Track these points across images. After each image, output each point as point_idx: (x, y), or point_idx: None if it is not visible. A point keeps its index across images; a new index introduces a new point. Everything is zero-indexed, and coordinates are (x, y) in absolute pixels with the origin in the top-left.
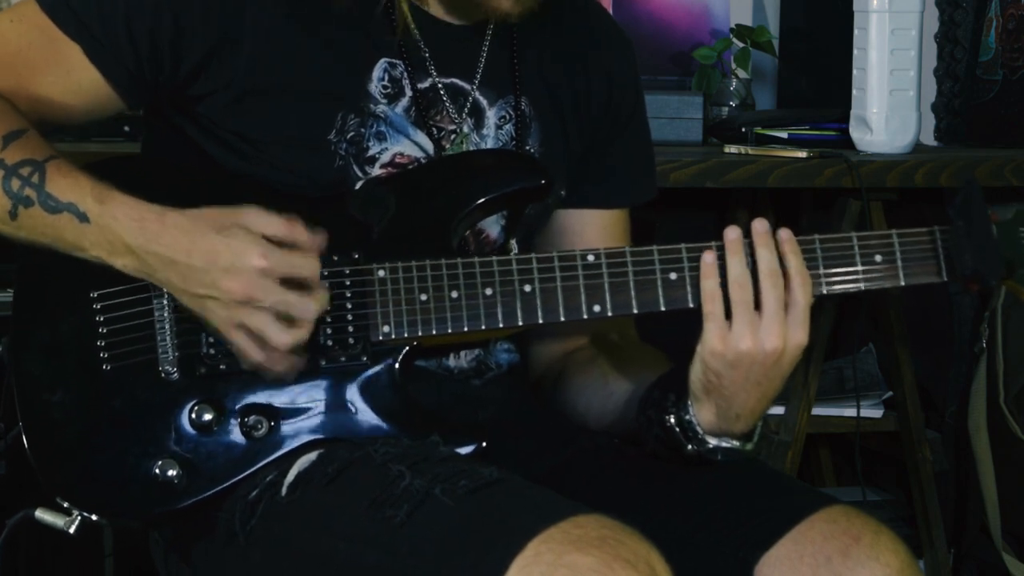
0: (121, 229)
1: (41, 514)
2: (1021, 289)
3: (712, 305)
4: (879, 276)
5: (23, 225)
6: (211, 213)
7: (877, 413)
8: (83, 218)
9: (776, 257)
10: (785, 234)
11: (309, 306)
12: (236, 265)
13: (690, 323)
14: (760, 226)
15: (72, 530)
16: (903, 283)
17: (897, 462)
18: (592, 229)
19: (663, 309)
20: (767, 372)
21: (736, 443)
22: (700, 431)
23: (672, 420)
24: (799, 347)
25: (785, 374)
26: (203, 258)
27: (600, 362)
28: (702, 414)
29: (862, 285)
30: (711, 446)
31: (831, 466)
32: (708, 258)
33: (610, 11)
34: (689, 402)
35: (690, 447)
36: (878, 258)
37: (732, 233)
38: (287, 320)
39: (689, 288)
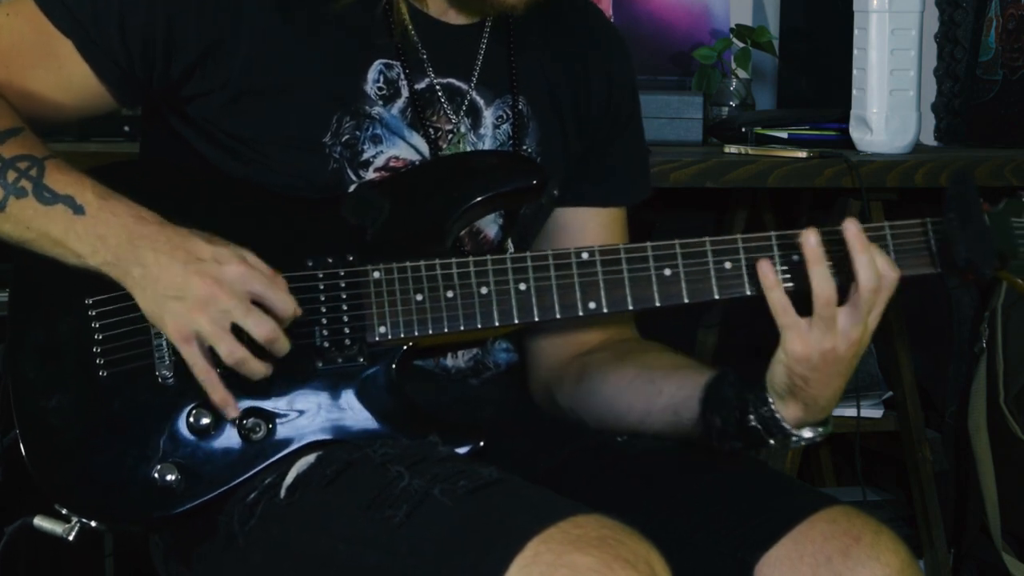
0: (118, 223)
1: (40, 521)
2: (1014, 279)
3: (786, 317)
4: None
5: (11, 216)
6: (209, 234)
7: (877, 413)
8: (79, 210)
9: (874, 263)
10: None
11: (268, 325)
12: (213, 268)
13: (690, 325)
14: (853, 226)
15: (71, 537)
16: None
17: (897, 462)
18: (590, 228)
19: (658, 305)
20: (849, 363)
21: (820, 429)
22: (788, 427)
23: (753, 420)
24: (873, 330)
25: (861, 355)
26: (185, 256)
27: (634, 360)
28: (788, 411)
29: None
30: (795, 438)
31: (831, 466)
32: (767, 269)
33: (610, 11)
34: (771, 400)
35: (773, 440)
36: None
37: (813, 238)
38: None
39: (683, 284)
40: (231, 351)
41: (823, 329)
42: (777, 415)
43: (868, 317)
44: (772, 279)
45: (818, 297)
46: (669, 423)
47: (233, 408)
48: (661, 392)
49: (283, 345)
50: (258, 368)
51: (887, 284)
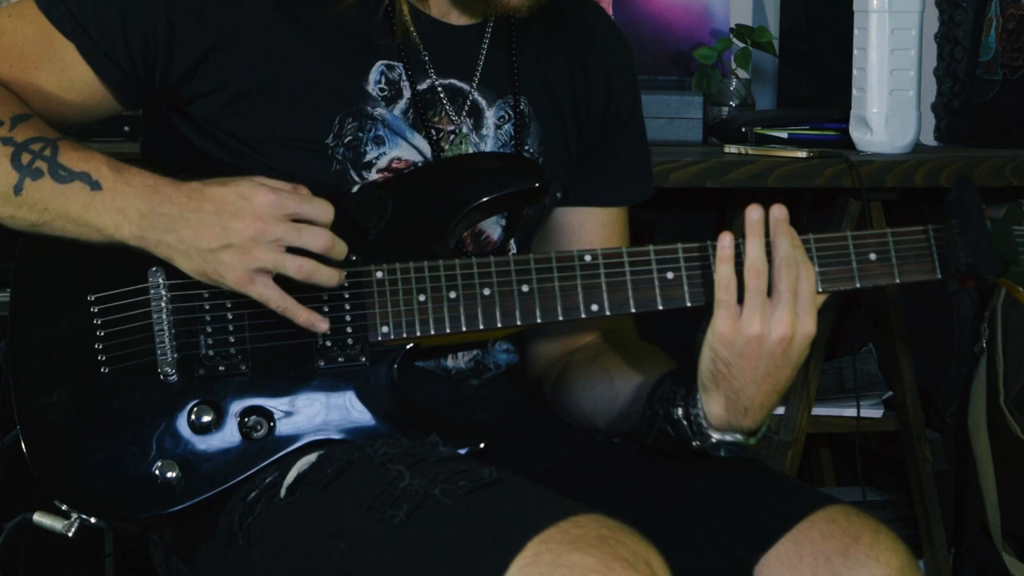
0: (135, 194)
1: (40, 518)
2: (1014, 286)
3: (726, 293)
4: (874, 274)
5: (27, 200)
6: (219, 177)
7: (877, 413)
8: (95, 186)
9: (792, 246)
10: (781, 214)
11: (323, 235)
12: (244, 205)
13: (690, 323)
14: (779, 213)
15: (71, 533)
16: (898, 281)
17: (897, 462)
18: (591, 227)
19: (660, 308)
20: (776, 363)
21: (740, 437)
22: (705, 424)
23: (680, 413)
24: (808, 337)
25: (795, 366)
26: (212, 206)
27: (603, 362)
28: (711, 406)
29: (857, 283)
30: (714, 440)
31: (831, 466)
32: (726, 240)
33: (610, 11)
34: (698, 395)
35: (695, 443)
36: (873, 256)
37: (755, 214)
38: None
39: (686, 287)
40: (300, 267)
41: (753, 315)
42: (700, 411)
43: (797, 320)
44: (727, 253)
45: (747, 268)
46: (626, 421)
47: (323, 322)
48: (618, 395)
49: (341, 247)
50: (331, 274)
51: (802, 276)
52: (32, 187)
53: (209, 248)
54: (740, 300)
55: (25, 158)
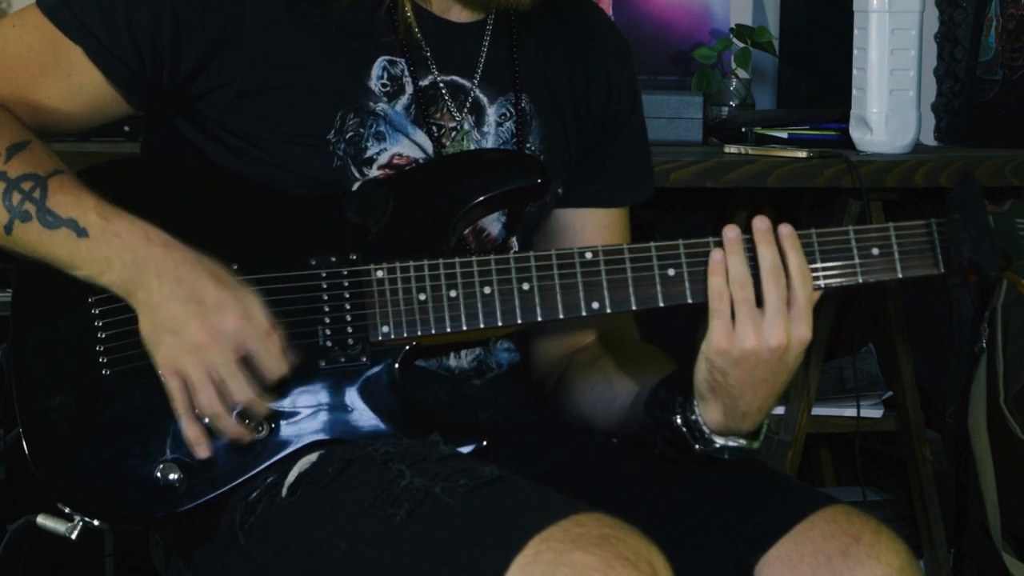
0: (123, 245)
1: (43, 520)
2: (1018, 280)
3: (719, 303)
4: (876, 269)
5: (18, 240)
6: (217, 265)
7: (877, 413)
8: (82, 233)
9: (777, 254)
10: (786, 230)
11: (248, 392)
12: (212, 315)
13: (692, 323)
14: (761, 223)
15: (74, 536)
16: (900, 276)
17: (897, 462)
18: (592, 228)
19: (662, 305)
20: (772, 369)
21: (743, 442)
22: (707, 431)
23: (679, 420)
24: (803, 343)
25: (791, 371)
26: (188, 293)
27: (602, 364)
28: (708, 414)
29: (859, 279)
30: (718, 445)
31: (831, 466)
32: (717, 255)
33: (610, 11)
34: (695, 402)
35: (697, 447)
36: (875, 251)
37: (731, 232)
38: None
39: (687, 284)
40: (208, 404)
41: (745, 326)
42: (699, 418)
43: (791, 328)
44: (715, 266)
45: (732, 282)
46: (625, 425)
47: (204, 448)
48: (616, 398)
49: (260, 410)
50: (229, 429)
51: (796, 283)
52: (21, 228)
53: (161, 325)
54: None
55: (15, 198)
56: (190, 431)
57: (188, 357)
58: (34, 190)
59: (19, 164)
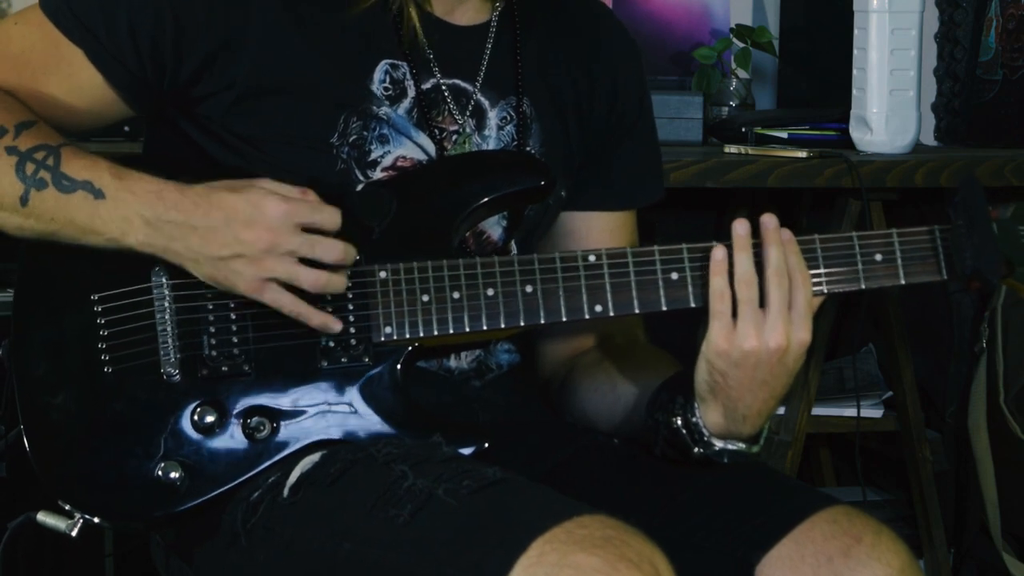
0: (138, 202)
1: (43, 517)
2: (1021, 287)
3: (721, 304)
4: (879, 275)
5: (34, 210)
6: (226, 181)
7: (877, 413)
8: (99, 194)
9: (783, 254)
10: (786, 234)
11: (335, 246)
12: (255, 215)
13: (696, 324)
14: (770, 222)
15: (74, 533)
16: (903, 282)
17: (897, 462)
18: (597, 231)
19: (665, 309)
20: (772, 371)
21: (742, 445)
22: (706, 433)
23: (679, 422)
24: (803, 345)
25: (791, 373)
26: (222, 215)
27: (606, 366)
28: (709, 415)
29: (862, 284)
30: (717, 448)
31: (831, 466)
32: (719, 254)
33: None
34: (696, 404)
35: (697, 450)
36: (878, 257)
37: (741, 228)
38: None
39: (691, 288)
40: (314, 281)
41: (747, 327)
42: (699, 420)
43: (791, 330)
44: (717, 266)
45: (737, 281)
46: (627, 426)
47: (335, 322)
48: (619, 399)
49: (351, 254)
50: (341, 282)
51: (797, 285)
52: (37, 197)
53: (219, 256)
54: (735, 313)
55: (29, 168)
56: (315, 320)
57: (266, 262)
58: (47, 158)
59: (29, 138)
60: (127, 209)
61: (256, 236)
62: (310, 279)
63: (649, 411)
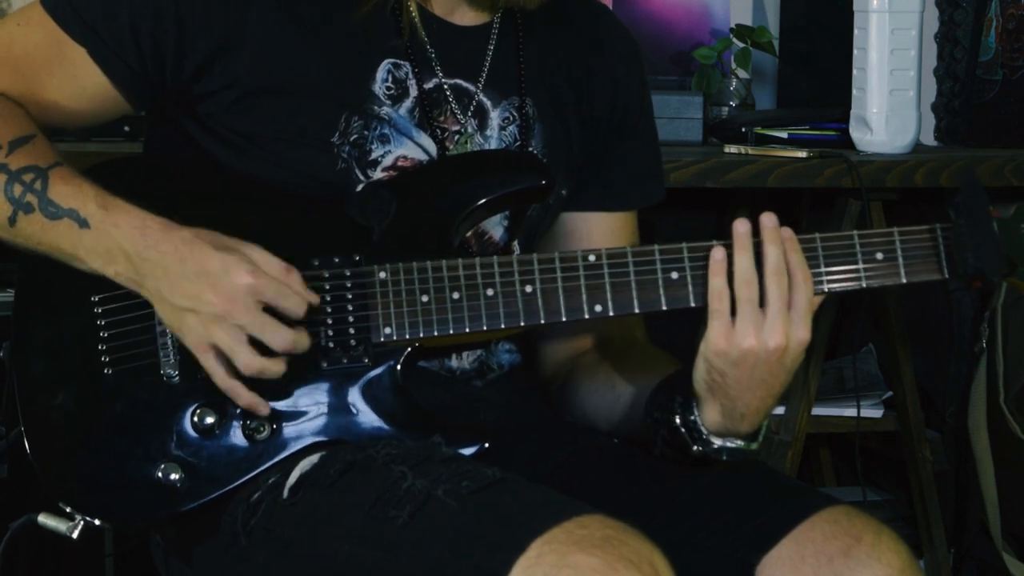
0: (121, 235)
1: (44, 519)
2: (1022, 285)
3: (720, 303)
4: (880, 274)
5: (21, 232)
6: (214, 232)
7: (877, 413)
8: (83, 223)
9: (782, 253)
10: (787, 232)
11: (285, 336)
12: (223, 279)
13: (697, 324)
14: (769, 221)
15: (75, 535)
16: (904, 281)
17: (897, 462)
18: (598, 232)
19: (665, 308)
20: (771, 370)
21: (741, 443)
22: (705, 432)
23: (678, 421)
24: (802, 344)
25: (790, 372)
26: (195, 267)
27: (606, 366)
28: (707, 414)
29: (863, 283)
30: (716, 446)
31: (831, 466)
32: (718, 255)
33: None
34: (694, 403)
35: (695, 448)
36: (879, 256)
37: (742, 227)
38: (259, 348)
39: (691, 287)
40: (248, 364)
41: (746, 326)
42: (697, 419)
43: (791, 329)
44: (720, 266)
45: (737, 280)
46: (626, 426)
47: (263, 406)
48: (619, 399)
49: (303, 345)
50: (278, 371)
51: (797, 284)
52: (24, 220)
53: (179, 305)
54: (734, 312)
55: (17, 190)
56: (242, 400)
57: (214, 328)
58: (35, 181)
59: (21, 157)
60: (110, 242)
61: (215, 300)
62: (245, 360)
63: (648, 410)
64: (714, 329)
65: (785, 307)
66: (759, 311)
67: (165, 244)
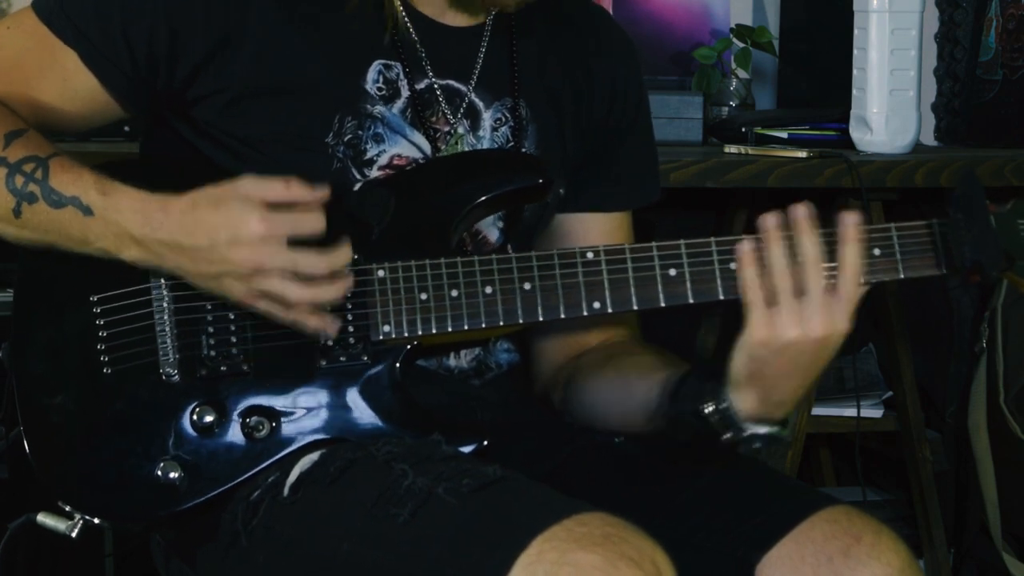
0: (125, 220)
1: (43, 518)
2: (1021, 281)
3: (754, 294)
4: (878, 270)
5: (28, 223)
6: (208, 190)
7: (877, 413)
8: (87, 211)
9: (819, 243)
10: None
11: (317, 262)
12: (238, 236)
13: (696, 323)
14: (802, 212)
15: (74, 534)
16: (902, 276)
17: (897, 462)
18: (595, 232)
19: (663, 305)
20: (812, 359)
21: (774, 428)
22: (739, 418)
23: (710, 408)
24: (843, 334)
25: (828, 359)
26: (206, 236)
27: (615, 363)
28: (744, 402)
29: (861, 279)
30: (749, 433)
31: (831, 466)
32: (745, 247)
33: (610, 11)
34: (728, 390)
35: (728, 435)
36: (877, 251)
37: (771, 221)
38: (303, 279)
39: (689, 284)
40: (301, 297)
41: (788, 317)
42: (731, 406)
43: (830, 314)
44: (746, 257)
45: (775, 272)
46: (641, 419)
47: (332, 325)
48: (633, 395)
49: (342, 258)
50: (333, 293)
51: (846, 277)
52: (29, 211)
53: (210, 275)
54: (770, 303)
55: (19, 180)
56: (311, 322)
57: (254, 280)
58: (36, 171)
59: (19, 148)
60: (116, 228)
61: (242, 257)
62: (296, 296)
63: (673, 400)
64: (755, 319)
65: (826, 296)
66: (798, 301)
67: (168, 222)
